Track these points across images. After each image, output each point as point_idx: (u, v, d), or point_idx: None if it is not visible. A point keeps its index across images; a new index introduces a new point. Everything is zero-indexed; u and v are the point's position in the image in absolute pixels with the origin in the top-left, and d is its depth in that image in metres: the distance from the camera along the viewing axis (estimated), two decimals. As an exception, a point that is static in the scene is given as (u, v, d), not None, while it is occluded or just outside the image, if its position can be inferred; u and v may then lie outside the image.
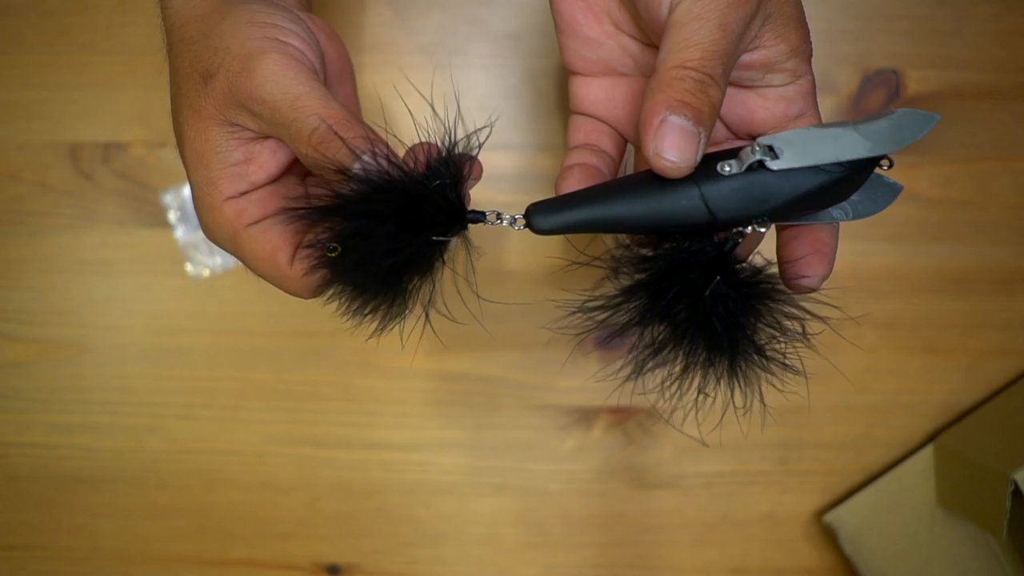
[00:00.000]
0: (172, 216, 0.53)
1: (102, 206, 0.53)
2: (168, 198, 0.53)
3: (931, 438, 0.53)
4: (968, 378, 0.53)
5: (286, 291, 0.32)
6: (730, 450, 0.54)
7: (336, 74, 0.37)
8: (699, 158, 0.28)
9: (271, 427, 0.54)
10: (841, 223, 0.33)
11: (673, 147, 0.28)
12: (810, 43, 0.31)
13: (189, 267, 0.53)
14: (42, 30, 0.52)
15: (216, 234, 0.32)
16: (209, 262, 0.53)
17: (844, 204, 0.32)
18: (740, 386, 0.31)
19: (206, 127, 0.31)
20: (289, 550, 0.54)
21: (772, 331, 0.31)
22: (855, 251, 0.52)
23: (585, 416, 0.54)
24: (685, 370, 0.32)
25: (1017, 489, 0.44)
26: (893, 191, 0.33)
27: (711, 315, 0.30)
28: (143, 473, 0.54)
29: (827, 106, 0.52)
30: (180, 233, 0.53)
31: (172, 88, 0.33)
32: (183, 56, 0.32)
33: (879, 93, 0.52)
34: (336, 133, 0.29)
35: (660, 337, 0.31)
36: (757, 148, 0.28)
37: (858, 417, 0.54)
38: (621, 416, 0.54)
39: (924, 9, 0.51)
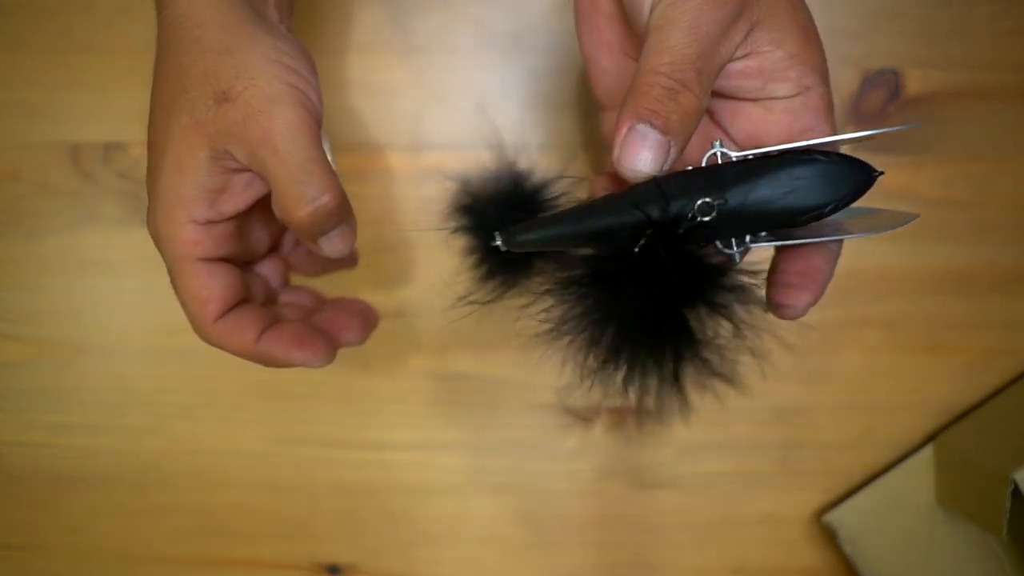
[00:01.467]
0: (172, 216, 0.53)
1: (102, 206, 0.53)
2: (168, 198, 0.53)
3: (931, 438, 0.53)
4: (968, 378, 0.53)
5: (200, 336, 0.34)
6: (730, 450, 0.54)
7: None
8: (666, 166, 0.27)
9: (271, 427, 0.54)
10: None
11: (636, 156, 0.27)
12: (822, 56, 0.30)
13: (189, 267, 0.53)
14: (42, 30, 0.52)
15: (162, 245, 0.32)
16: (209, 262, 0.53)
17: (840, 224, 0.31)
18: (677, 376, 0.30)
19: (200, 144, 0.30)
20: (289, 550, 0.54)
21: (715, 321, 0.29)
22: (855, 251, 0.52)
23: (585, 416, 0.54)
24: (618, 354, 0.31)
25: (1017, 489, 0.44)
26: (902, 219, 0.30)
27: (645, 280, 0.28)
28: (143, 473, 0.54)
29: (827, 106, 0.52)
30: (180, 233, 0.53)
31: (169, 82, 0.31)
32: (196, 58, 0.31)
33: (879, 93, 0.52)
34: (334, 213, 0.31)
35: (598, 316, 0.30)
36: (718, 141, 0.29)
37: (858, 417, 0.54)
38: (621, 416, 0.54)
39: (924, 9, 0.51)
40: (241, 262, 0.36)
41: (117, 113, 0.52)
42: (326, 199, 0.30)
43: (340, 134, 0.51)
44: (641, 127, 0.27)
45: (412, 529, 0.54)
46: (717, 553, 0.54)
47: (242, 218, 0.34)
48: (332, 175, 0.31)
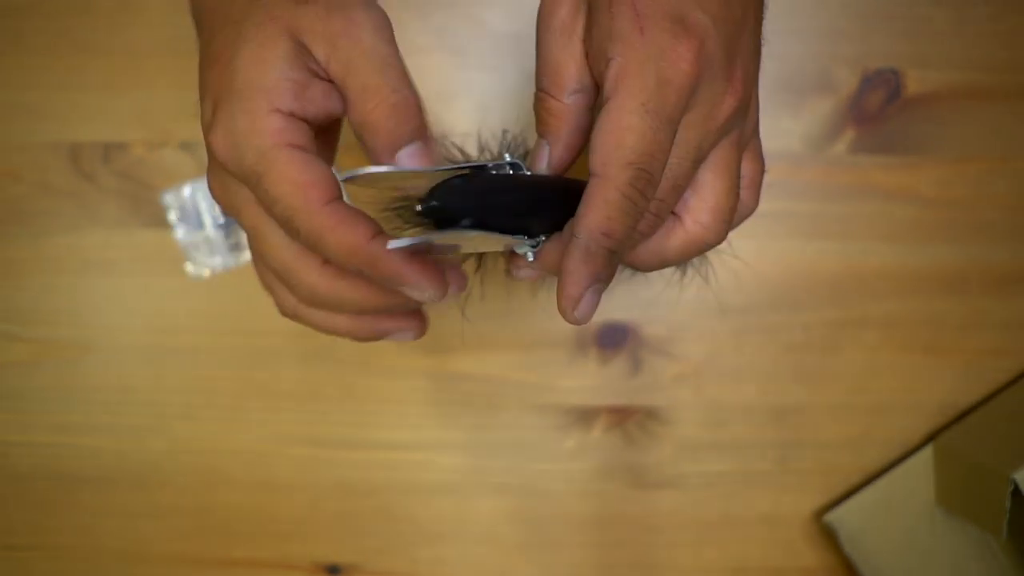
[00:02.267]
0: (172, 216, 0.53)
1: (103, 206, 0.53)
2: (168, 198, 0.53)
3: (931, 438, 0.53)
4: (967, 378, 0.53)
5: (304, 230, 0.28)
6: (730, 450, 0.54)
7: None
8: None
9: (271, 427, 0.54)
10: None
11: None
12: (630, 22, 0.28)
13: (189, 267, 0.53)
14: (43, 31, 0.52)
15: (245, 142, 0.28)
16: (209, 262, 0.53)
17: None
18: None
19: (279, 35, 0.29)
20: (289, 550, 0.55)
21: None
22: (855, 251, 0.53)
23: (585, 416, 0.54)
24: None
25: (1017, 489, 0.44)
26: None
27: None
28: (144, 473, 0.54)
29: (826, 106, 0.52)
30: (180, 233, 0.53)
31: (239, 3, 0.30)
32: None
33: (878, 93, 0.52)
34: (410, 110, 0.29)
35: None
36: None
37: (858, 417, 0.54)
38: (621, 416, 0.54)
39: (923, 9, 0.51)
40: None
41: (117, 113, 0.52)
42: (407, 93, 0.29)
43: (341, 133, 0.51)
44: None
45: (412, 529, 0.54)
46: (717, 553, 0.54)
47: (325, 137, 0.31)
48: (407, 77, 0.29)
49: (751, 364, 0.53)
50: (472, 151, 0.47)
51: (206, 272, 0.53)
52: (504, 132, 0.43)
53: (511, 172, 0.31)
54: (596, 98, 0.30)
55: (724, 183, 0.30)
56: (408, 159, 0.29)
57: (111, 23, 0.52)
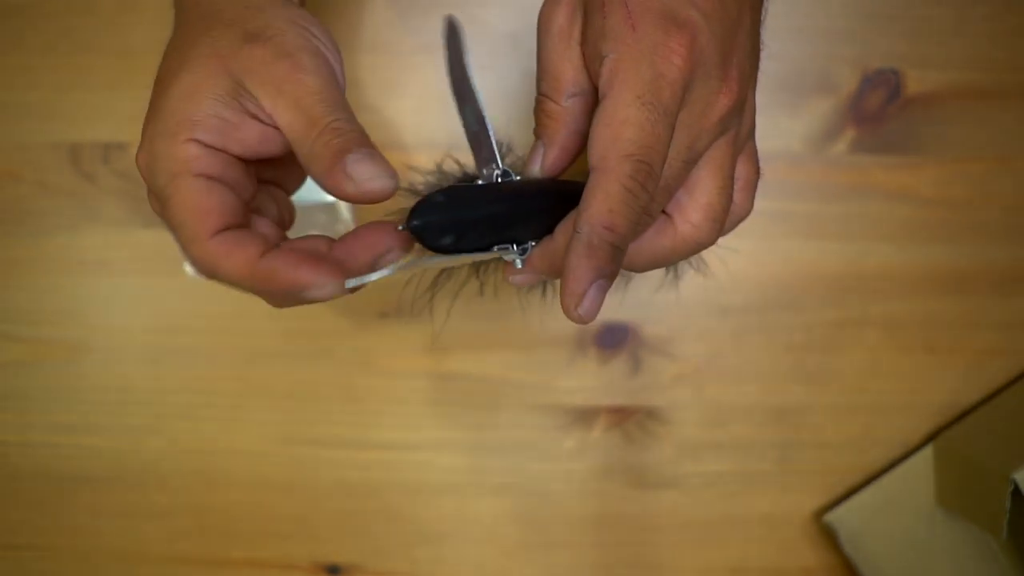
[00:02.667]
0: (172, 216, 0.53)
1: (102, 206, 0.53)
2: (168, 198, 0.53)
3: (931, 438, 0.53)
4: (968, 378, 0.53)
5: (193, 258, 0.29)
6: (730, 450, 0.54)
7: None
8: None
9: (271, 427, 0.54)
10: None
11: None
12: (622, 20, 0.28)
13: (189, 267, 0.53)
14: (43, 31, 0.52)
15: (158, 164, 0.29)
16: (209, 262, 0.53)
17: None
18: None
19: (220, 74, 0.29)
20: (289, 550, 0.55)
21: None
22: (855, 251, 0.53)
23: (585, 416, 0.54)
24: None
25: (1017, 489, 0.44)
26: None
27: None
28: (143, 473, 0.54)
29: (826, 106, 0.52)
30: (180, 233, 0.53)
31: (192, 27, 0.31)
32: (224, 8, 0.30)
33: (879, 93, 0.52)
34: (353, 129, 0.29)
35: None
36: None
37: (858, 417, 0.54)
38: (621, 416, 0.54)
39: (924, 9, 0.51)
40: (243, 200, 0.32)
41: (117, 113, 0.52)
42: (351, 122, 0.29)
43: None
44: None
45: (413, 529, 0.54)
46: (717, 553, 0.54)
47: (247, 170, 0.31)
48: (352, 116, 0.30)
49: (751, 364, 0.53)
50: (471, 164, 0.47)
51: (206, 272, 0.53)
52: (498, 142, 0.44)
53: (499, 180, 0.31)
54: (594, 102, 0.30)
55: (717, 183, 0.30)
56: (356, 165, 0.28)
57: (112, 23, 0.52)
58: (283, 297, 0.30)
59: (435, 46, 0.52)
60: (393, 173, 0.29)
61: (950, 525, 0.52)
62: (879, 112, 0.52)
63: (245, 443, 0.54)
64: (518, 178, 0.31)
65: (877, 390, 0.53)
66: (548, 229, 0.30)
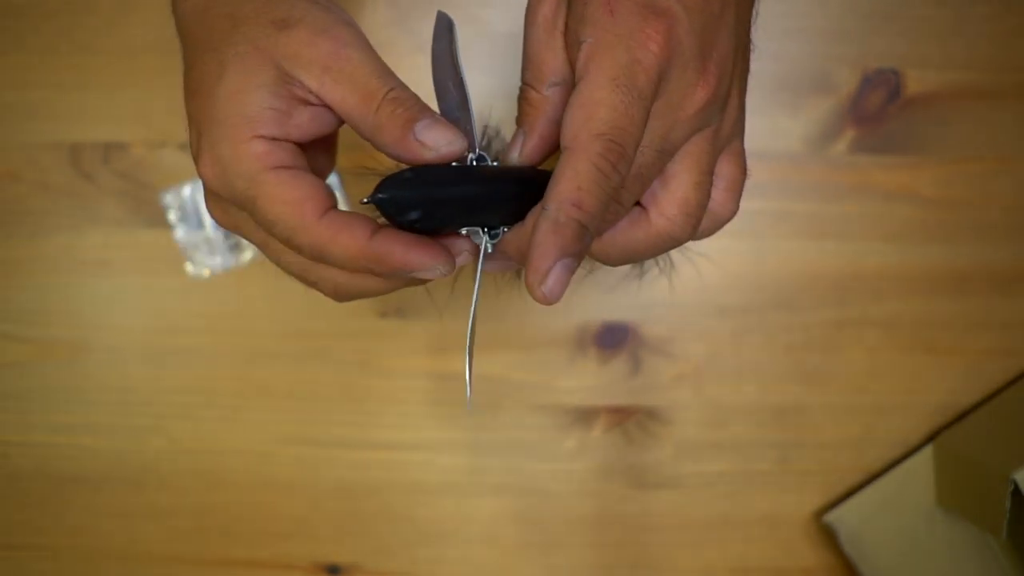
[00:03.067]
0: (172, 216, 0.53)
1: (102, 206, 0.53)
2: (168, 198, 0.53)
3: (931, 438, 0.53)
4: (968, 378, 0.53)
5: (305, 245, 0.29)
6: (730, 450, 0.54)
7: None
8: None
9: (271, 427, 0.54)
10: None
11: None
12: (608, 4, 0.28)
13: (189, 267, 0.53)
14: (43, 31, 0.52)
15: (232, 169, 0.29)
16: (209, 262, 0.53)
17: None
18: None
19: (263, 66, 0.29)
20: (289, 550, 0.55)
21: None
22: (854, 251, 0.53)
23: (585, 416, 0.54)
24: None
25: (1017, 489, 0.44)
26: None
27: None
28: (143, 473, 0.54)
29: (826, 106, 0.52)
30: (180, 233, 0.53)
31: (213, 29, 0.30)
32: (242, 3, 0.30)
33: (879, 93, 0.52)
34: (413, 97, 0.29)
35: None
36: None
37: (858, 417, 0.54)
38: (621, 416, 0.54)
39: (924, 9, 0.51)
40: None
41: (117, 113, 0.52)
42: (396, 84, 0.29)
43: (344, 132, 0.51)
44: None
45: (412, 529, 0.54)
46: (717, 553, 0.54)
47: (318, 152, 0.32)
48: (403, 83, 0.30)
49: (751, 364, 0.53)
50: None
51: (206, 272, 0.53)
52: (484, 127, 0.44)
53: (473, 164, 0.31)
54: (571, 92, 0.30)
55: (693, 177, 0.30)
56: (425, 131, 0.29)
57: (111, 23, 0.52)
58: (388, 278, 0.30)
59: (435, 46, 0.52)
60: (461, 135, 0.29)
61: (950, 525, 0.52)
62: (879, 112, 0.52)
63: (245, 443, 0.54)
64: (495, 164, 0.31)
65: (877, 390, 0.53)
66: (520, 216, 0.30)
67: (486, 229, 0.31)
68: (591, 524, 0.54)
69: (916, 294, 0.53)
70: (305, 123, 0.30)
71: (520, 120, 0.31)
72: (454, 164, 0.30)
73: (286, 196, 0.28)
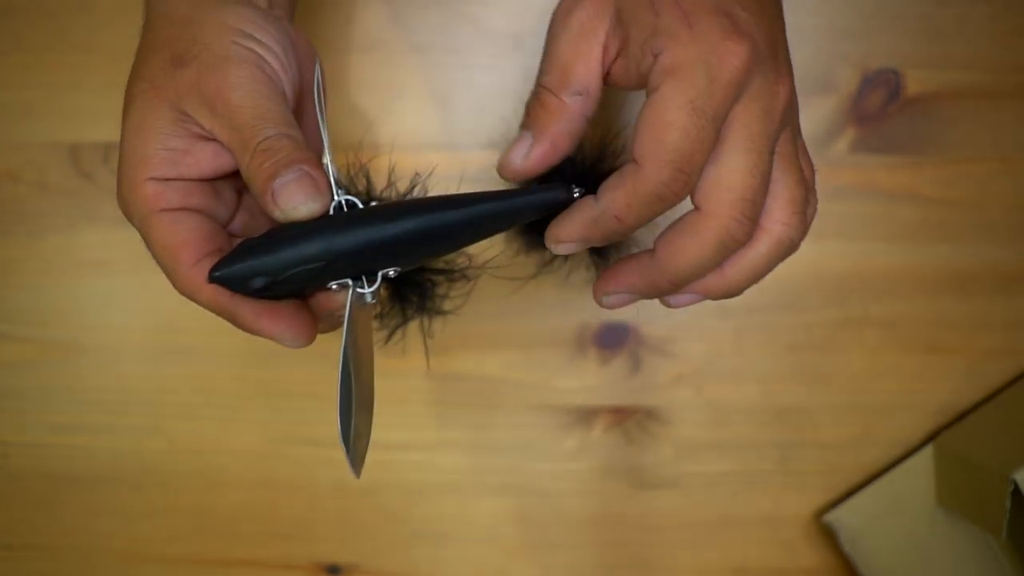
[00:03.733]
0: (172, 216, 0.53)
1: (102, 206, 0.53)
2: (168, 198, 0.53)
3: (931, 438, 0.53)
4: (968, 378, 0.53)
5: (178, 289, 0.31)
6: (730, 450, 0.54)
7: (307, 92, 0.37)
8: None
9: (271, 427, 0.54)
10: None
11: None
12: (678, 19, 0.28)
13: (189, 267, 0.53)
14: (42, 30, 0.52)
15: (130, 209, 0.31)
16: (209, 262, 0.53)
17: None
18: None
19: (159, 105, 0.30)
20: (289, 550, 0.54)
21: None
22: (855, 251, 0.52)
23: (585, 416, 0.54)
24: None
25: (1017, 489, 0.44)
26: None
27: None
28: (143, 473, 0.54)
29: (827, 106, 0.52)
30: (180, 233, 0.53)
31: (138, 57, 0.32)
32: (159, 32, 0.31)
33: (879, 93, 0.52)
34: (282, 147, 0.29)
35: None
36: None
37: (858, 417, 0.54)
38: (621, 416, 0.54)
39: (924, 9, 0.51)
40: (219, 222, 0.33)
41: (117, 113, 0.51)
42: (280, 132, 0.29)
43: (341, 133, 0.51)
44: (522, 132, 0.31)
45: (412, 529, 0.54)
46: (717, 553, 0.54)
47: (214, 187, 0.32)
48: (288, 122, 0.30)
49: (751, 364, 0.53)
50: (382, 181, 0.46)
51: (206, 272, 0.53)
52: (416, 175, 0.42)
53: (333, 213, 0.30)
54: (593, 106, 0.30)
55: (793, 176, 0.30)
56: (282, 191, 0.29)
57: (110, 23, 0.51)
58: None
59: (429, 46, 0.52)
60: (318, 194, 0.29)
61: (950, 525, 0.52)
62: (880, 112, 0.52)
63: (245, 443, 0.54)
64: (362, 207, 0.30)
65: (877, 390, 0.53)
66: (373, 267, 0.30)
67: (362, 279, 0.30)
68: (591, 524, 0.54)
69: (917, 294, 0.53)
70: (206, 159, 0.31)
71: (530, 123, 0.31)
72: (328, 214, 0.29)
73: (164, 240, 0.30)
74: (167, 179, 0.30)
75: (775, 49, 0.29)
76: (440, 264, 0.38)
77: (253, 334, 0.31)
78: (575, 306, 0.53)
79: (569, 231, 0.30)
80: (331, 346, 0.53)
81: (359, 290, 0.30)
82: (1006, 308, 0.53)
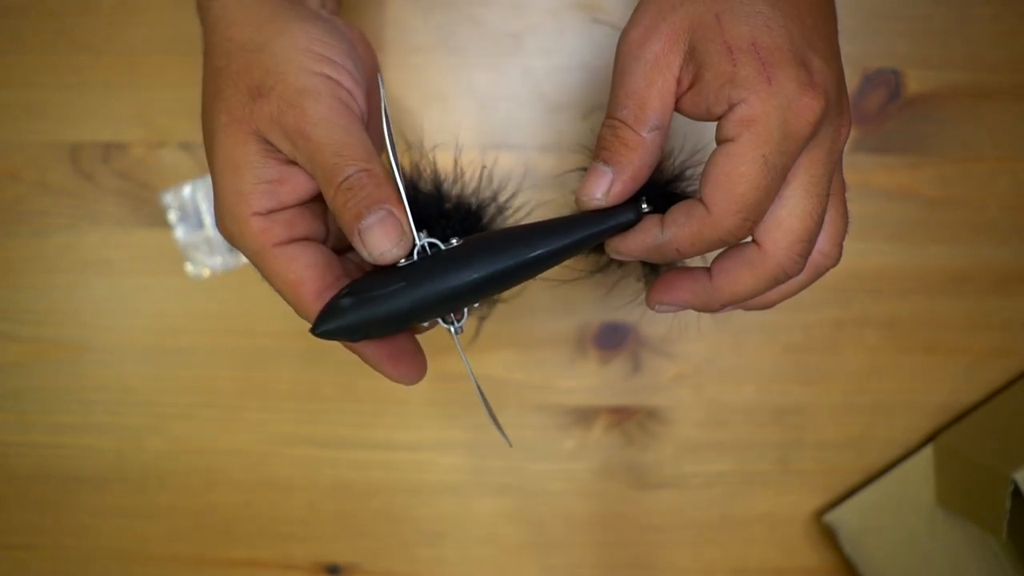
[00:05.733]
0: (172, 216, 0.53)
1: (102, 206, 0.53)
2: (168, 198, 0.53)
3: (931, 438, 0.53)
4: (968, 378, 0.53)
5: (299, 314, 0.32)
6: (730, 450, 0.54)
7: (372, 87, 0.37)
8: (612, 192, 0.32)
9: (271, 427, 0.54)
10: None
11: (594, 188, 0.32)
12: (755, 70, 0.28)
13: (189, 267, 0.53)
14: (43, 30, 0.52)
15: (238, 243, 0.32)
16: (209, 262, 0.53)
17: None
18: None
19: (244, 139, 0.31)
20: (289, 550, 0.55)
21: None
22: (855, 251, 0.52)
23: (585, 416, 0.54)
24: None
25: (1017, 489, 0.44)
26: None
27: None
28: (144, 473, 0.54)
29: (827, 106, 0.52)
30: (180, 233, 0.53)
31: (209, 86, 0.32)
32: (230, 59, 0.31)
33: (879, 93, 0.52)
34: (363, 185, 0.29)
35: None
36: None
37: (858, 417, 0.54)
38: (621, 416, 0.54)
39: (924, 9, 0.51)
40: (332, 247, 0.34)
41: (117, 113, 0.52)
42: (351, 170, 0.29)
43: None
44: (599, 165, 0.31)
45: (413, 529, 0.54)
46: (717, 553, 0.54)
47: (313, 209, 0.33)
48: (369, 157, 0.30)
49: (751, 364, 0.53)
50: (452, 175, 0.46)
51: (206, 272, 0.53)
52: (483, 168, 0.43)
53: (417, 258, 0.31)
54: (667, 137, 0.31)
55: (839, 210, 0.32)
56: (368, 234, 0.29)
57: (111, 22, 0.51)
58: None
59: (435, 45, 0.52)
60: (401, 238, 0.30)
61: (950, 525, 0.52)
62: (879, 112, 0.52)
63: (245, 443, 0.54)
64: (442, 247, 0.31)
65: (877, 390, 0.53)
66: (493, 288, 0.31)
67: (451, 316, 0.32)
68: (591, 524, 0.54)
69: (916, 294, 0.53)
70: (301, 184, 0.31)
71: (609, 158, 0.31)
72: (402, 262, 0.30)
73: (284, 278, 0.31)
74: (270, 211, 0.31)
75: (840, 89, 0.30)
76: None
77: (366, 362, 0.33)
78: (575, 307, 0.53)
79: (631, 249, 0.32)
80: (330, 346, 0.53)
81: (452, 327, 0.32)
82: (1005, 308, 0.53)
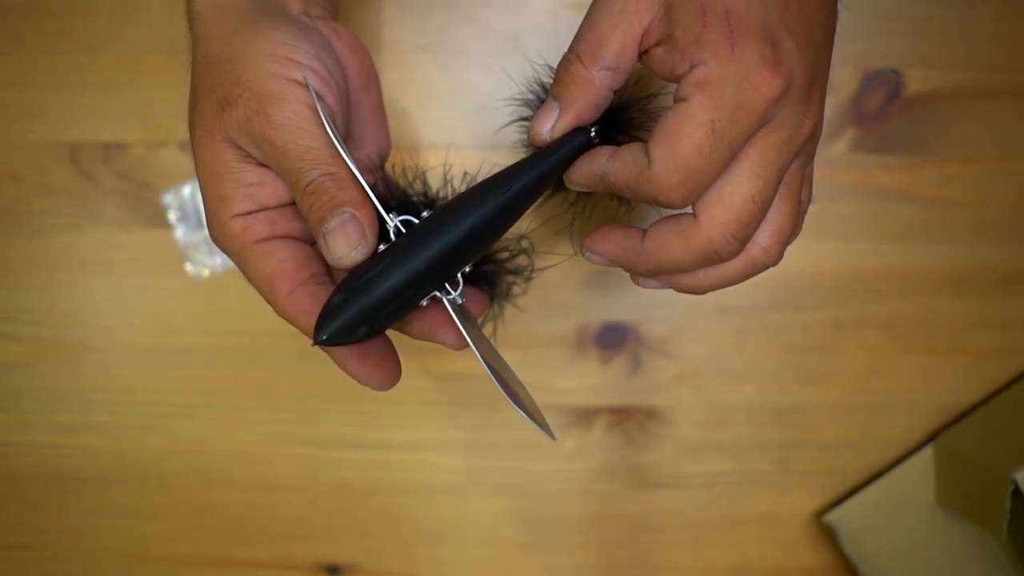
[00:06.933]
0: (172, 216, 0.53)
1: (102, 206, 0.53)
2: (168, 198, 0.53)
3: (931, 438, 0.53)
4: (968, 378, 0.53)
5: (279, 315, 0.32)
6: (730, 450, 0.54)
7: (360, 87, 0.37)
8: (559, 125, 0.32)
9: (271, 427, 0.54)
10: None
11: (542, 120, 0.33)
12: (721, 34, 0.28)
13: (189, 267, 0.53)
14: (43, 30, 0.52)
15: (224, 246, 0.32)
16: (209, 262, 0.53)
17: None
18: None
19: (219, 148, 0.31)
20: (289, 550, 0.55)
21: None
22: (855, 251, 0.53)
23: (585, 416, 0.54)
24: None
25: (1017, 489, 0.44)
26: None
27: None
28: (144, 473, 0.54)
29: (827, 106, 0.51)
30: (180, 233, 0.53)
31: (190, 101, 0.33)
32: (205, 73, 0.32)
33: (879, 93, 0.52)
34: (325, 189, 0.30)
35: None
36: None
37: (858, 417, 0.54)
38: (621, 416, 0.54)
39: (924, 9, 0.51)
40: (308, 241, 0.34)
41: (117, 113, 0.52)
42: (314, 174, 0.30)
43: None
44: (550, 100, 0.32)
45: (412, 529, 0.54)
46: (717, 553, 0.54)
47: (295, 209, 0.33)
48: (332, 157, 0.30)
49: (751, 364, 0.53)
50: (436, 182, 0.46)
51: (206, 272, 0.53)
52: (464, 174, 0.43)
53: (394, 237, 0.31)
54: (622, 82, 0.31)
55: (789, 208, 0.31)
56: (331, 238, 0.30)
57: (111, 23, 0.51)
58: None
59: (433, 46, 0.52)
60: (362, 239, 0.30)
61: (950, 525, 0.52)
62: (879, 112, 0.52)
63: (245, 443, 0.54)
64: (417, 221, 0.31)
65: (877, 390, 0.53)
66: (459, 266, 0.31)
67: (446, 286, 0.31)
68: (591, 524, 0.54)
69: (916, 294, 0.53)
70: (280, 186, 0.32)
71: (558, 92, 0.31)
72: (381, 247, 0.30)
73: (259, 272, 0.31)
74: (251, 212, 0.32)
75: (813, 80, 0.29)
76: (502, 254, 0.39)
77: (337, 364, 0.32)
78: (575, 306, 0.53)
79: (578, 177, 0.32)
80: (331, 346, 0.53)
81: (449, 298, 0.31)
82: (1005, 308, 0.53)
